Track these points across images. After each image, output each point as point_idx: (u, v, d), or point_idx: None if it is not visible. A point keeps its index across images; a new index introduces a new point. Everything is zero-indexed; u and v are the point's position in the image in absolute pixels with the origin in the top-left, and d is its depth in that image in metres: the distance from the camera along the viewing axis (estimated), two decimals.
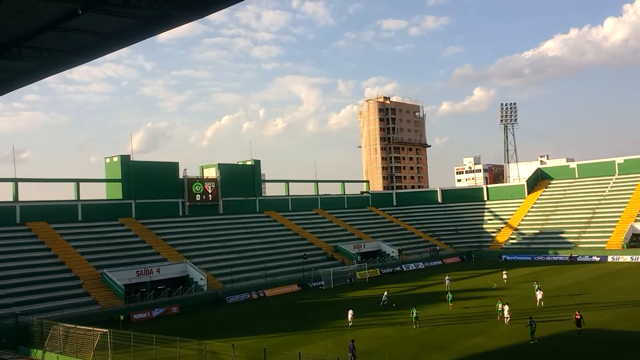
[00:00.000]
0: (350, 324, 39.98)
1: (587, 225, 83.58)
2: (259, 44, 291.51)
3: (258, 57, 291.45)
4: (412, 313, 39.26)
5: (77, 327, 36.59)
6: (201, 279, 58.76)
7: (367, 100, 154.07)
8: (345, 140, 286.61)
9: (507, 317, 38.46)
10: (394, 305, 47.16)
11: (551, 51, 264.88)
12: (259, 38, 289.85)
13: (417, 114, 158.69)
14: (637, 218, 79.53)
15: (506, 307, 38.98)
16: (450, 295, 47.08)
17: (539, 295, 44.46)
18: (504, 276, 59.87)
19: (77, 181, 69.36)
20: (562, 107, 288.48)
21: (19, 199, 63.45)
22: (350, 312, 40.78)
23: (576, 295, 46.44)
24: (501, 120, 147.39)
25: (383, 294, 49.46)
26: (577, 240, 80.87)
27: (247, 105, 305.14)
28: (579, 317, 33.94)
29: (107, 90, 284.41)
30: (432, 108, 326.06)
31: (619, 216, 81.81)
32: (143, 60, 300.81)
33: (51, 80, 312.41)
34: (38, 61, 13.89)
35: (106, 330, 34.65)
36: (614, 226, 79.83)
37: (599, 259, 73.54)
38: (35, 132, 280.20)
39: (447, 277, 57.10)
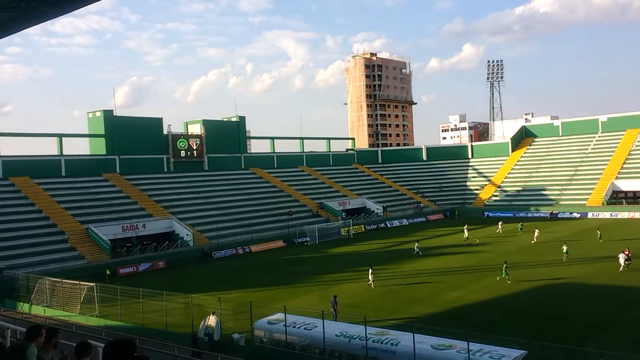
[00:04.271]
0: (371, 283, 37.99)
1: (569, 182, 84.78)
2: None
3: (245, 10, 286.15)
4: (503, 269, 37.50)
5: (64, 280, 36.86)
6: (187, 235, 59.09)
7: (353, 57, 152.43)
8: (331, 97, 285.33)
9: (622, 265, 37.87)
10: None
11: (542, 7, 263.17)
12: None
13: (403, 70, 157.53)
14: (618, 175, 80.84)
15: (622, 255, 38.30)
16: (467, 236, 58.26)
17: (536, 233, 55.03)
18: (499, 228, 63.92)
19: (60, 136, 68.48)
20: (549, 64, 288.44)
21: (1, 154, 62.68)
22: (370, 271, 38.54)
23: (558, 250, 47.32)
24: (487, 78, 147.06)
25: (415, 245, 51.03)
26: (559, 197, 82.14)
27: (234, 60, 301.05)
28: (627, 252, 38.42)
29: (91, 43, 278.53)
30: (420, 65, 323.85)
31: (601, 173, 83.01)
32: (128, 12, 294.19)
33: (33, 32, 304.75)
34: (15, 12, 13.48)
35: (93, 284, 34.96)
36: (595, 183, 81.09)
37: (579, 215, 74.96)
38: (17, 86, 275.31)
39: (465, 227, 61.02)
